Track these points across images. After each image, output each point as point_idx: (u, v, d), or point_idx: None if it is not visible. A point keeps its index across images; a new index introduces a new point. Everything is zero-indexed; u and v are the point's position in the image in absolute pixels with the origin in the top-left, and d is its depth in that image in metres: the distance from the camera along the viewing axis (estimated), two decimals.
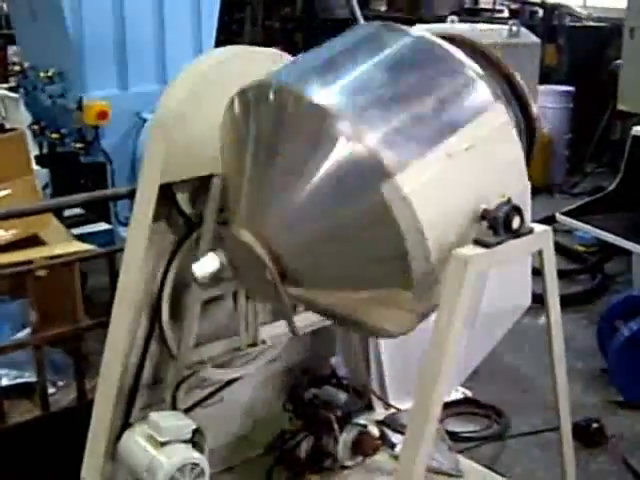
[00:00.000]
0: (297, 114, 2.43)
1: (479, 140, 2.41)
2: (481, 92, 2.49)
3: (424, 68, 2.53)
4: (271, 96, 2.49)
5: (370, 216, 2.34)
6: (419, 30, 2.66)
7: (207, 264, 2.65)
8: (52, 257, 4.20)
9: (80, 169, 6.08)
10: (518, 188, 2.55)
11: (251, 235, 2.50)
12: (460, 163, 2.37)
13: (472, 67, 2.52)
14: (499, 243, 2.38)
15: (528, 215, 2.56)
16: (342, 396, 3.58)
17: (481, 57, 2.72)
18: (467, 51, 2.65)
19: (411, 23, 2.81)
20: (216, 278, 2.69)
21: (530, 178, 2.67)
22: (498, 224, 2.37)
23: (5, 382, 4.13)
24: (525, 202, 2.57)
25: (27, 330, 4.01)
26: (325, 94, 2.41)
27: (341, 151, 2.34)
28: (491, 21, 11.76)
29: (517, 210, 2.41)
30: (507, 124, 2.50)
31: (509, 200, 2.40)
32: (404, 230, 2.29)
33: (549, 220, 6.93)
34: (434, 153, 2.35)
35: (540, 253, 2.62)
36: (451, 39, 2.68)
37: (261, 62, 2.91)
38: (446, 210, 2.36)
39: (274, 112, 2.49)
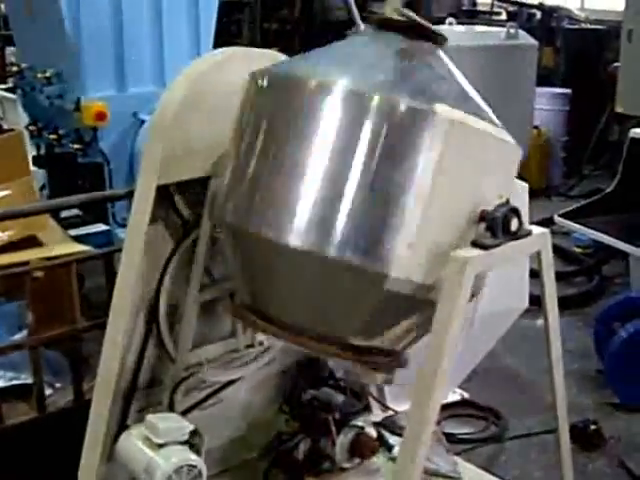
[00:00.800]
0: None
1: (438, 160, 2.35)
2: (403, 115, 2.38)
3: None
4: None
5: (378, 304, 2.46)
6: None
7: None
8: (49, 258, 4.20)
9: (78, 170, 6.07)
10: (515, 186, 2.55)
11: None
12: (438, 194, 2.36)
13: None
14: (497, 245, 2.37)
15: (526, 217, 2.56)
16: (339, 398, 3.57)
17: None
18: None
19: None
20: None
21: (528, 180, 2.67)
22: (496, 226, 2.37)
23: (1, 384, 4.12)
24: (523, 204, 2.57)
25: (24, 331, 4.00)
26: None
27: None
28: (489, 23, 11.79)
29: (515, 212, 2.41)
30: (453, 123, 2.38)
31: (507, 202, 2.40)
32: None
33: (547, 222, 6.94)
34: (409, 210, 2.36)
35: (538, 255, 2.62)
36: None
37: (259, 64, 2.90)
38: (443, 215, 2.37)
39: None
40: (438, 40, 2.67)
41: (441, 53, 2.67)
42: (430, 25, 2.65)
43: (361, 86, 2.38)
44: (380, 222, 2.35)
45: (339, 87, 2.38)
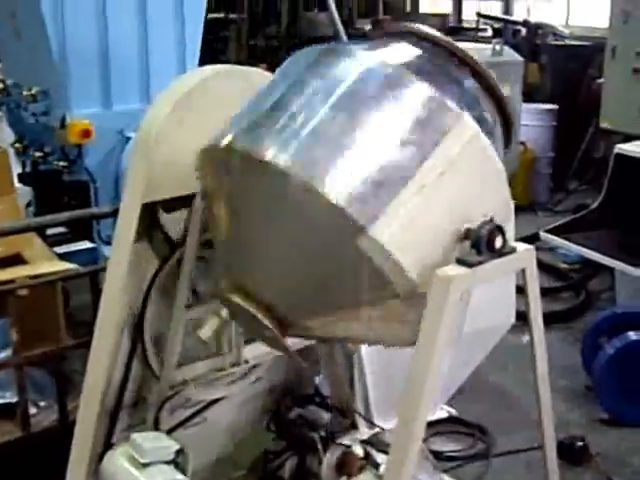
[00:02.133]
0: (258, 176, 2.41)
1: (452, 161, 2.37)
2: (443, 111, 2.41)
3: (378, 100, 2.43)
4: (230, 158, 2.48)
5: (352, 264, 2.34)
6: (365, 52, 2.59)
7: (210, 327, 2.72)
8: (34, 276, 4.18)
9: (63, 188, 6.06)
10: (500, 201, 2.54)
11: (245, 299, 2.50)
12: (436, 190, 2.35)
13: (425, 86, 2.43)
14: (482, 262, 2.37)
15: (511, 233, 2.56)
16: (326, 416, 3.56)
17: (444, 49, 2.68)
18: (427, 45, 2.65)
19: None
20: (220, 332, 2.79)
21: (513, 196, 2.67)
22: (481, 243, 2.36)
23: None
24: (508, 220, 2.56)
25: (8, 350, 3.98)
26: (281, 151, 2.36)
27: (309, 212, 2.33)
28: (475, 40, 11.84)
29: (499, 229, 2.41)
30: (477, 136, 2.43)
31: (491, 219, 2.40)
32: (388, 274, 2.30)
33: (533, 238, 6.96)
34: (407, 189, 2.32)
35: (523, 272, 2.62)
36: (404, 34, 2.68)
37: (243, 81, 2.91)
38: (428, 238, 2.36)
39: (239, 174, 2.47)
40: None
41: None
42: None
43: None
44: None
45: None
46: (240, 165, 2.45)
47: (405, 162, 2.35)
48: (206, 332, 2.72)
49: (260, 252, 2.47)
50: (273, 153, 2.35)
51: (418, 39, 2.69)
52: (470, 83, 2.66)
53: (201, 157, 2.61)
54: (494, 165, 2.49)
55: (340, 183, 2.30)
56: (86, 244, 6.18)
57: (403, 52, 2.64)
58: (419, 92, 2.42)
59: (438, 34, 2.71)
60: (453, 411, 5.17)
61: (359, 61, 2.51)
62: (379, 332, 2.57)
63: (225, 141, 2.49)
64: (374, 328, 2.54)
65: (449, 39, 2.70)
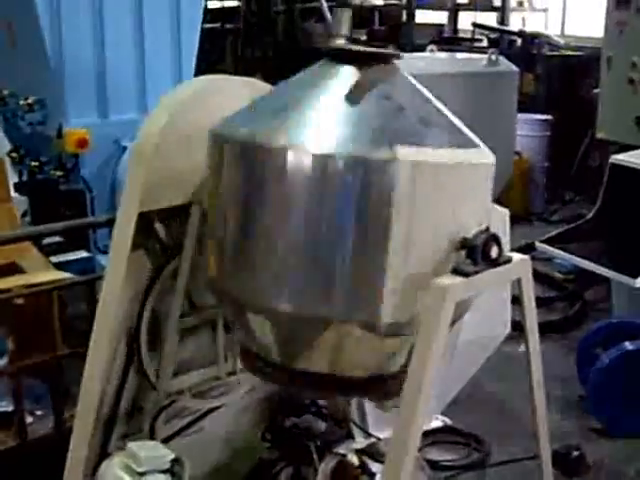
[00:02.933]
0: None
1: (412, 203, 2.37)
2: (375, 171, 2.40)
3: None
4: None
5: None
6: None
7: None
8: (30, 285, 4.18)
9: (59, 197, 6.05)
10: (496, 213, 2.55)
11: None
12: (431, 202, 2.38)
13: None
14: (477, 272, 2.37)
15: (507, 243, 2.57)
16: (321, 425, 3.55)
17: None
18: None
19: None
20: None
21: (509, 206, 2.68)
22: (476, 253, 2.37)
23: None
24: (504, 230, 2.57)
25: (4, 359, 3.98)
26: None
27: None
28: (470, 50, 11.85)
29: (495, 239, 2.42)
30: (416, 166, 2.38)
31: (487, 229, 2.41)
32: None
33: (528, 248, 6.96)
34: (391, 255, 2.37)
35: (519, 282, 2.63)
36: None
37: (240, 92, 2.92)
38: (423, 247, 2.38)
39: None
40: (390, 60, 2.67)
41: (399, 73, 2.66)
42: (376, 48, 2.66)
43: (320, 147, 2.38)
44: (362, 277, 2.39)
45: (299, 152, 2.38)
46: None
47: (370, 250, 2.38)
48: None
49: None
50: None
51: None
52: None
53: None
54: (461, 171, 2.49)
55: None
56: (82, 253, 6.17)
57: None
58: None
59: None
60: (448, 421, 5.16)
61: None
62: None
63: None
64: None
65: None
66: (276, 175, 2.41)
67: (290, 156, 2.37)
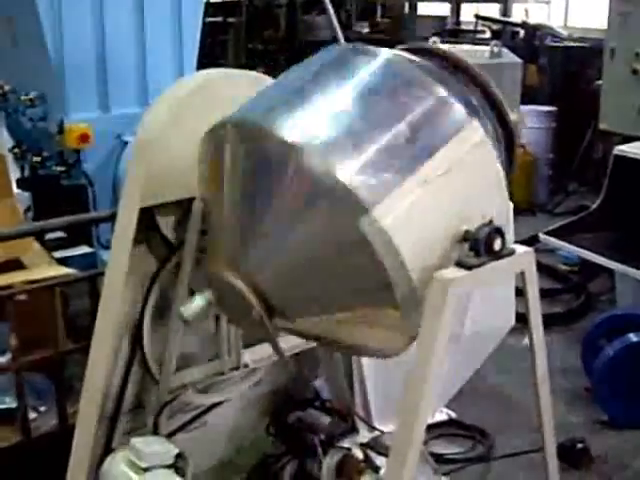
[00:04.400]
0: (268, 152, 2.40)
1: (456, 162, 2.39)
2: (454, 112, 2.46)
3: (394, 93, 2.49)
4: (240, 134, 2.48)
5: (351, 250, 2.32)
6: (388, 51, 2.61)
7: (193, 306, 2.64)
8: (33, 281, 4.17)
9: (62, 192, 6.05)
10: (500, 207, 2.54)
11: (235, 276, 2.48)
12: (438, 188, 2.36)
13: (441, 88, 2.47)
14: (481, 265, 2.36)
15: (510, 235, 2.56)
16: (326, 419, 3.55)
17: (454, 67, 2.71)
18: (440, 62, 2.66)
19: (393, 45, 2.77)
20: (203, 314, 2.68)
21: (513, 198, 2.66)
22: (479, 246, 2.36)
23: None
24: (507, 222, 2.56)
25: (7, 355, 3.97)
26: (293, 129, 2.38)
27: (314, 188, 2.32)
28: (473, 42, 11.83)
29: (498, 231, 2.40)
30: (484, 142, 2.47)
31: (490, 221, 2.40)
32: (386, 264, 2.28)
33: (532, 240, 6.95)
34: (410, 181, 2.33)
35: (522, 274, 2.61)
36: (423, 51, 2.68)
37: (241, 85, 2.91)
38: (427, 235, 2.35)
39: (245, 151, 2.47)
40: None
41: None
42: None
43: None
44: None
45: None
46: (247, 143, 2.47)
47: (411, 153, 2.38)
48: (187, 310, 2.65)
49: (259, 233, 2.45)
50: (280, 127, 2.38)
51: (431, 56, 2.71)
52: (479, 101, 2.68)
53: (209, 135, 2.61)
54: (496, 171, 2.51)
55: (348, 165, 2.31)
56: (85, 249, 6.16)
57: (421, 60, 2.64)
58: (434, 92, 2.47)
59: (456, 55, 2.74)
60: (453, 414, 5.16)
61: (381, 56, 2.57)
62: (367, 338, 2.57)
63: (236, 119, 2.51)
64: (364, 333, 2.54)
65: (464, 59, 2.73)
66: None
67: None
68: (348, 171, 2.29)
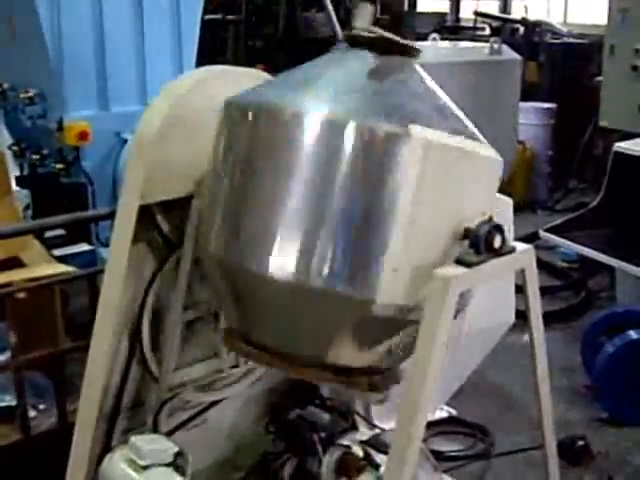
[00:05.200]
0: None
1: (419, 180, 2.35)
2: (386, 139, 2.38)
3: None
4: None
5: None
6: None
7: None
8: (32, 279, 4.17)
9: (61, 190, 6.05)
10: (499, 203, 2.54)
11: None
12: (437, 185, 2.36)
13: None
14: (481, 262, 2.36)
15: (511, 233, 2.55)
16: (325, 417, 3.54)
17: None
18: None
19: None
20: None
21: (512, 195, 2.66)
22: (479, 243, 2.36)
23: None
24: (507, 219, 2.56)
25: (7, 353, 3.97)
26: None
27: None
28: (473, 39, 11.83)
29: (498, 229, 2.40)
30: (429, 144, 2.37)
31: (490, 219, 2.39)
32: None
33: (532, 237, 6.95)
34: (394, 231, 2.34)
35: (522, 272, 2.61)
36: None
37: (241, 82, 2.89)
38: (426, 235, 2.36)
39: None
40: (410, 53, 2.66)
41: (416, 67, 2.65)
42: (400, 39, 2.63)
43: (335, 113, 2.37)
44: (363, 250, 2.35)
45: (313, 116, 2.37)
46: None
47: (374, 218, 2.35)
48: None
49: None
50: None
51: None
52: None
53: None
54: (471, 160, 2.48)
55: None
56: (84, 246, 6.16)
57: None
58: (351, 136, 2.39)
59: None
60: (453, 411, 5.15)
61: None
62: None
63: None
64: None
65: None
66: (287, 139, 2.40)
67: (302, 121, 2.37)
68: None
